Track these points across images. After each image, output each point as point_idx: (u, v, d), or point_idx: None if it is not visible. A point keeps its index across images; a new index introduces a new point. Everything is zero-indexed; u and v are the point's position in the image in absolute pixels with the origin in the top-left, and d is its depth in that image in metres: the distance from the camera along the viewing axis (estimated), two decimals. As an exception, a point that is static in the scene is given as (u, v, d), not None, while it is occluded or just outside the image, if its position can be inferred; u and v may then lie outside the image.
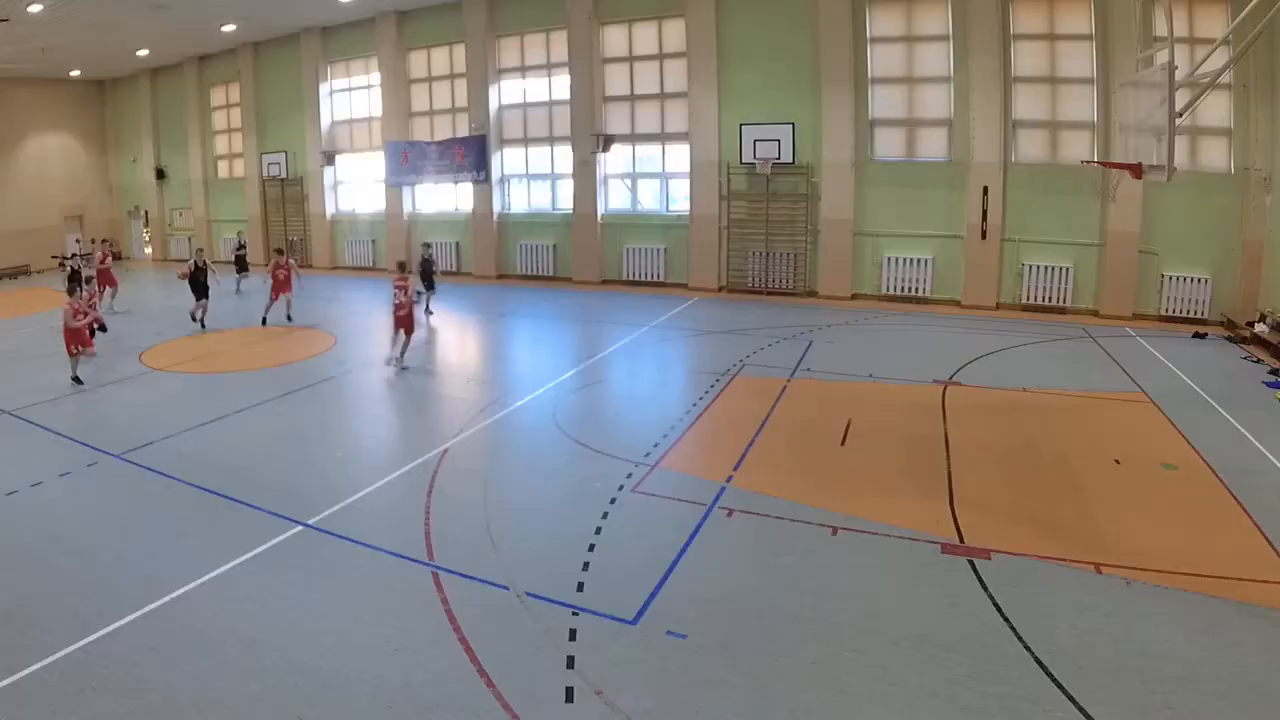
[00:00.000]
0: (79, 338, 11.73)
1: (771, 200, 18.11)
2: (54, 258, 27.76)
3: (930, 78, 16.76)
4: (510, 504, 7.48)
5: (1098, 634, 5.14)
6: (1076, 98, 15.67)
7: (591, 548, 6.46)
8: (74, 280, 16.13)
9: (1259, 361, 12.13)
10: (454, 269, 22.62)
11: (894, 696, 4.63)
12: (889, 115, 17.21)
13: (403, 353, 12.31)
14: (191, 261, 16.40)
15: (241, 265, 21.23)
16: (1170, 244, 15.01)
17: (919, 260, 17.07)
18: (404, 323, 12.20)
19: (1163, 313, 15.14)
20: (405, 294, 12.14)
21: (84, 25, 19.74)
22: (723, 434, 9.20)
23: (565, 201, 20.97)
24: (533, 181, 21.82)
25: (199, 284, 16.00)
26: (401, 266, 12.85)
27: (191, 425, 9.71)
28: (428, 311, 16.56)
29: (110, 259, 19.23)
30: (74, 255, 19.11)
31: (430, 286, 16.91)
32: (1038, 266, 16.06)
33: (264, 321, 15.92)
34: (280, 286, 16.23)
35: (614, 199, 20.59)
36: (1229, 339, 13.70)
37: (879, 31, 16.96)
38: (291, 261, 16.96)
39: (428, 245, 18.38)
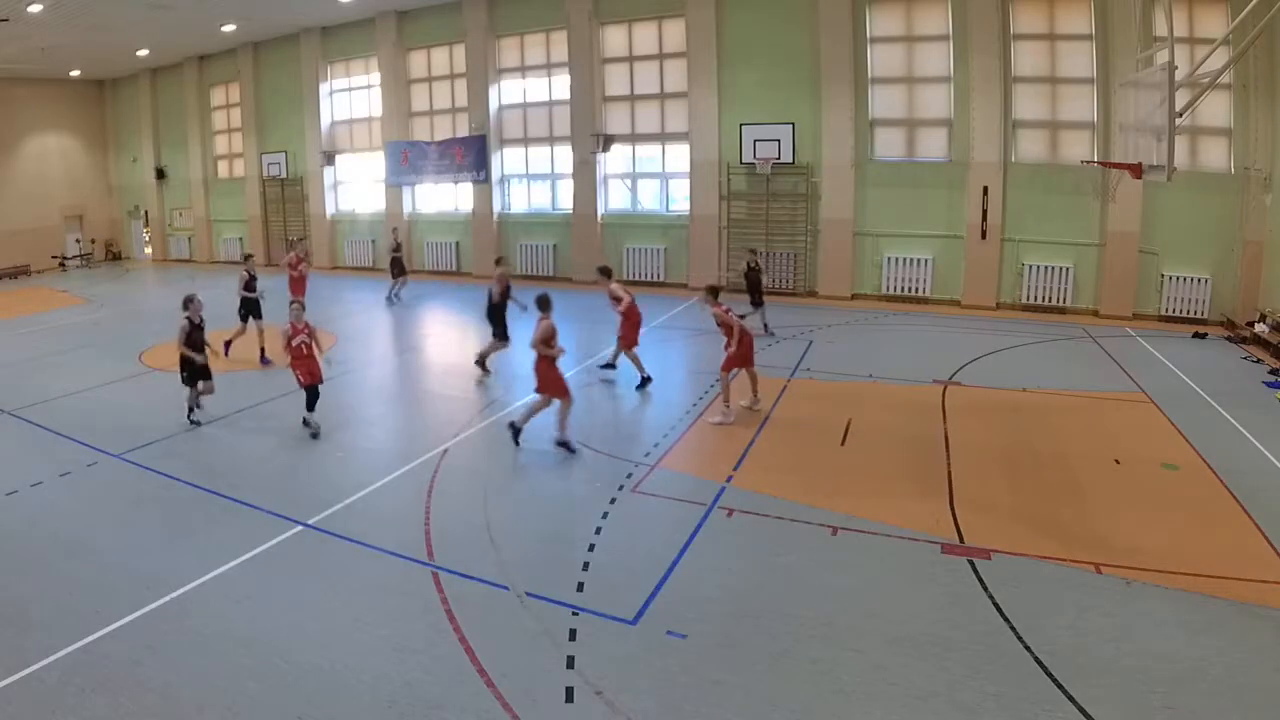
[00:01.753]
0: (307, 363, 9.36)
1: (771, 200, 18.11)
2: (54, 257, 27.83)
3: (930, 78, 16.76)
4: (510, 504, 7.48)
5: (1098, 634, 5.14)
6: (1076, 98, 15.67)
7: (591, 548, 6.46)
8: (249, 304, 12.89)
9: (1259, 361, 12.13)
10: (454, 269, 22.64)
11: (894, 696, 4.62)
12: (889, 115, 17.21)
13: (754, 392, 9.95)
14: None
15: (399, 268, 18.53)
16: (1170, 244, 15.01)
17: (919, 260, 17.07)
18: (742, 361, 9.59)
19: (1163, 313, 15.14)
20: (730, 317, 9.54)
21: (84, 26, 19.74)
22: (723, 434, 9.19)
23: (565, 201, 20.98)
24: (533, 181, 21.82)
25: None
26: (715, 291, 9.99)
27: (191, 425, 9.72)
28: (767, 330, 14.02)
29: (305, 265, 15.52)
30: (247, 258, 14.11)
31: (759, 301, 14.20)
32: (1038, 266, 16.06)
33: (617, 366, 11.62)
34: (631, 324, 11.21)
35: (614, 199, 20.59)
36: (1229, 339, 13.69)
37: (879, 31, 16.96)
38: (615, 286, 11.50)
39: (754, 252, 15.05)
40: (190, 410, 9.81)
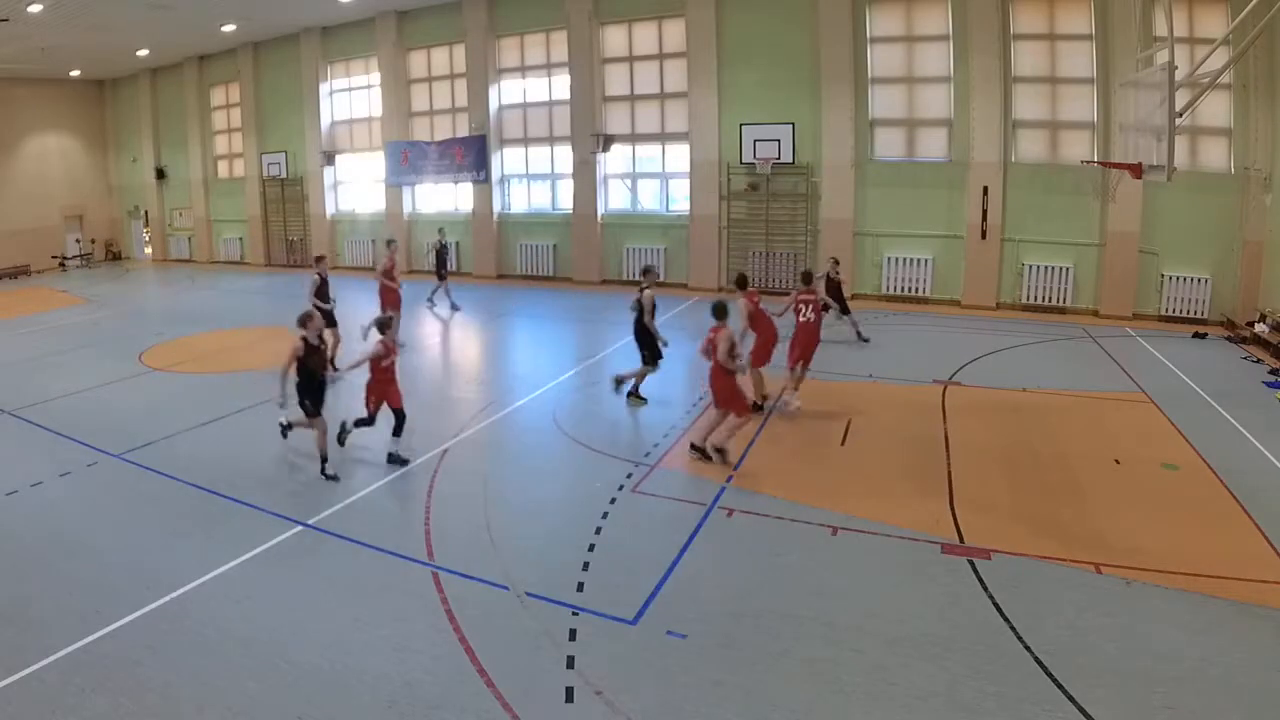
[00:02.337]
0: (385, 389, 8.35)
1: (771, 200, 18.11)
2: (54, 257, 27.83)
3: (930, 78, 16.76)
4: (510, 504, 7.48)
5: (1098, 634, 5.14)
6: (1076, 98, 15.67)
7: (591, 548, 6.46)
8: (324, 307, 11.06)
9: (1259, 361, 12.12)
10: (454, 269, 22.59)
11: (894, 696, 4.63)
12: (889, 115, 17.21)
13: (797, 383, 9.86)
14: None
15: (443, 266, 17.02)
16: (1170, 244, 15.01)
17: (919, 260, 17.07)
18: (804, 349, 9.76)
19: (1163, 313, 15.14)
20: (814, 310, 9.71)
21: (84, 26, 19.73)
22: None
23: (565, 201, 20.98)
24: (533, 181, 21.83)
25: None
26: (808, 277, 10.06)
27: (191, 425, 9.72)
28: (862, 338, 13.52)
29: (395, 267, 13.44)
30: (319, 259, 12.21)
31: (844, 310, 13.62)
32: (1038, 266, 16.06)
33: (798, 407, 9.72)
34: (763, 341, 9.77)
35: (614, 199, 20.59)
36: (1229, 339, 13.69)
37: (879, 31, 16.97)
38: (745, 302, 9.73)
39: (836, 261, 13.76)
40: (324, 459, 8.02)
